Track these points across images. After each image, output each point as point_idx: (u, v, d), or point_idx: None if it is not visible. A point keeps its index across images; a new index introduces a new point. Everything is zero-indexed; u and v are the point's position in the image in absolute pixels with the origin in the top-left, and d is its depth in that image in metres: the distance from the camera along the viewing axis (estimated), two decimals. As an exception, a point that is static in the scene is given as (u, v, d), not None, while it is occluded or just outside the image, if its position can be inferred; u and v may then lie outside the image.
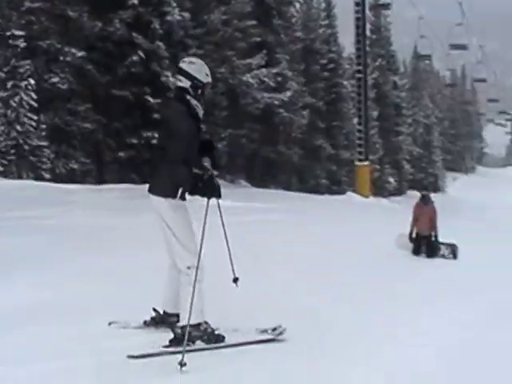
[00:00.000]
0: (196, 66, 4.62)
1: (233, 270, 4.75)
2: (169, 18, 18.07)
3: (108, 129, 16.20)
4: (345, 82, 29.93)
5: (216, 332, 4.53)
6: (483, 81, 50.94)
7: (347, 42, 29.39)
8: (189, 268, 4.46)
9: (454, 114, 68.52)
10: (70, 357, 4.00)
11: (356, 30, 27.55)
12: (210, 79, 4.60)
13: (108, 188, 14.21)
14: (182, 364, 3.87)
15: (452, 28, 35.16)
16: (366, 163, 27.02)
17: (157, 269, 5.14)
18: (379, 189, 33.51)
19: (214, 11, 20.31)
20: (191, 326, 4.35)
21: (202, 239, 4.41)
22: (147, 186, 4.66)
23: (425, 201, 11.58)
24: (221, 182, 14.77)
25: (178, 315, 4.64)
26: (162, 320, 4.90)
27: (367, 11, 32.38)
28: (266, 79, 21.83)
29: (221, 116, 20.45)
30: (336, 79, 28.97)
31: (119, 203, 11.99)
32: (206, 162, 4.59)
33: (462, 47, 35.93)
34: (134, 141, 16.18)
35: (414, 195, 12.63)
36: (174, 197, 4.54)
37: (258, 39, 22.30)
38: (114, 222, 9.74)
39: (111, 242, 8.06)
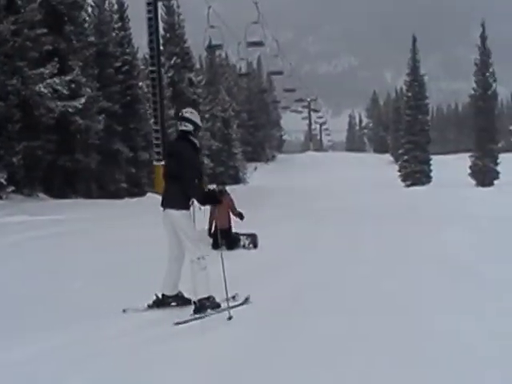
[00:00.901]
0: (194, 115, 7.03)
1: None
2: (-45, 32, 18.64)
3: None
4: (140, 83, 31.40)
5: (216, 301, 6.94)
6: (280, 73, 55.18)
7: (142, 42, 30.88)
8: (198, 258, 6.81)
9: (252, 105, 73.13)
10: (136, 335, 6.21)
11: (149, 30, 29.35)
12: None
13: None
14: (230, 317, 6.55)
15: (248, 26, 38.10)
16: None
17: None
18: (180, 186, 35.71)
19: (2, 21, 20.85)
20: (205, 298, 6.84)
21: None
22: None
23: (220, 195, 13.08)
24: (18, 196, 16.69)
25: (173, 296, 7.24)
26: (161, 302, 7.21)
27: (159, 8, 34.37)
28: (59, 87, 22.76)
29: (15, 129, 21.17)
30: (131, 81, 30.32)
31: None
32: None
33: (259, 44, 39.05)
34: None
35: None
36: (186, 208, 6.89)
37: (50, 47, 23.08)
38: None
39: None
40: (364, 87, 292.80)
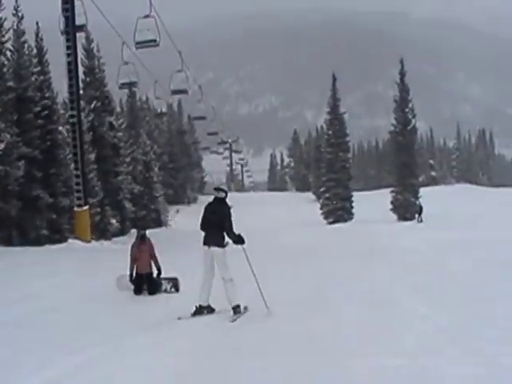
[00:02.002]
0: (226, 186, 11.14)
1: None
2: None
3: None
4: (60, 128, 31.52)
5: (243, 306, 10.67)
6: (203, 118, 56.34)
7: (62, 87, 31.23)
8: (231, 279, 10.44)
9: (173, 147, 73.89)
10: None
11: (68, 74, 29.92)
12: None
13: None
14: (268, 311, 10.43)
15: (172, 74, 39.09)
16: (85, 208, 29.58)
17: None
18: (102, 231, 35.82)
19: None
20: (237, 305, 10.54)
21: (251, 267, 10.72)
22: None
23: (141, 239, 13.25)
24: None
25: (205, 307, 10.66)
26: (199, 312, 10.62)
27: (80, 52, 34.98)
28: (-23, 134, 23.06)
29: None
30: (51, 126, 30.33)
31: None
32: None
33: (183, 92, 40.10)
34: None
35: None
36: (224, 246, 10.45)
37: (-32, 94, 23.47)
38: None
39: None
40: (285, 126, 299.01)
